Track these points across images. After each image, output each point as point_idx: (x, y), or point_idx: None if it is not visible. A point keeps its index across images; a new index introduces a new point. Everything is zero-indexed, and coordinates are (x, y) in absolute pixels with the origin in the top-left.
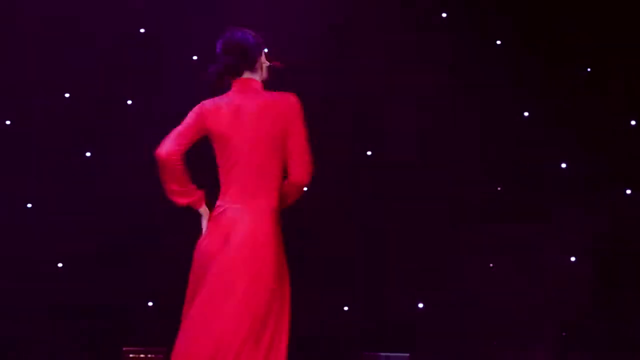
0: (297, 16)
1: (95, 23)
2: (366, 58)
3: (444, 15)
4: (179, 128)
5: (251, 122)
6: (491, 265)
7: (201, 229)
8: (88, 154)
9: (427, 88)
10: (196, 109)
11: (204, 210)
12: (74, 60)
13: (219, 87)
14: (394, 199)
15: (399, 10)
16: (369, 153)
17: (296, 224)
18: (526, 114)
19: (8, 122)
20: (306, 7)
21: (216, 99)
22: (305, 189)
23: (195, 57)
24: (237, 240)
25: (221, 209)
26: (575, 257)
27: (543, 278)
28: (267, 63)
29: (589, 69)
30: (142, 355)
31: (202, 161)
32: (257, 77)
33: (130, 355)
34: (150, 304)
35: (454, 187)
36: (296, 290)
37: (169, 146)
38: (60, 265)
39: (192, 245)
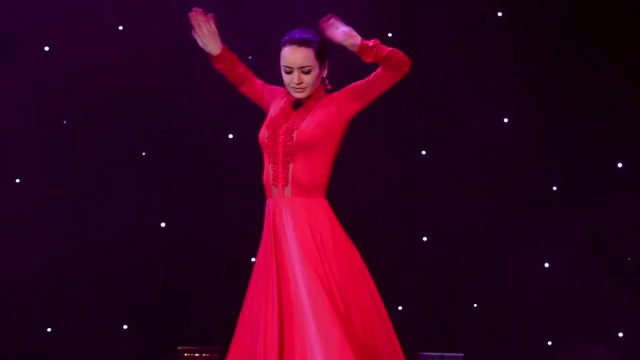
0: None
1: (145, 22)
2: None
3: (499, 14)
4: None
5: None
6: (546, 264)
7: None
8: (143, 154)
9: (478, 85)
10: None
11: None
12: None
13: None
14: (448, 195)
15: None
16: (423, 152)
17: (355, 222)
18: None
19: (65, 122)
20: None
21: None
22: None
23: (250, 57)
24: None
25: None
26: (632, 256)
27: (600, 277)
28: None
29: None
30: (196, 355)
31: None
32: None
33: (185, 354)
34: (205, 303)
35: (509, 183)
36: None
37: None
38: (115, 263)
39: (248, 246)
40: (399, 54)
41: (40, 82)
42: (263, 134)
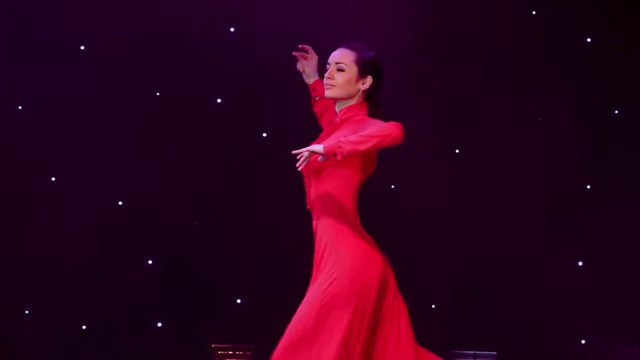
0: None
1: (189, 22)
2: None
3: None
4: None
5: None
6: (580, 263)
7: None
8: (178, 152)
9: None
10: None
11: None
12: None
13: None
14: (481, 193)
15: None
16: (457, 151)
17: (388, 223)
18: (617, 112)
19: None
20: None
21: None
22: None
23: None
24: None
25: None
26: None
27: (635, 276)
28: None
29: None
30: (230, 352)
31: None
32: None
33: (219, 352)
34: (238, 301)
35: (543, 181)
36: None
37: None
38: (150, 262)
39: (281, 245)
40: (384, 141)
41: (78, 83)
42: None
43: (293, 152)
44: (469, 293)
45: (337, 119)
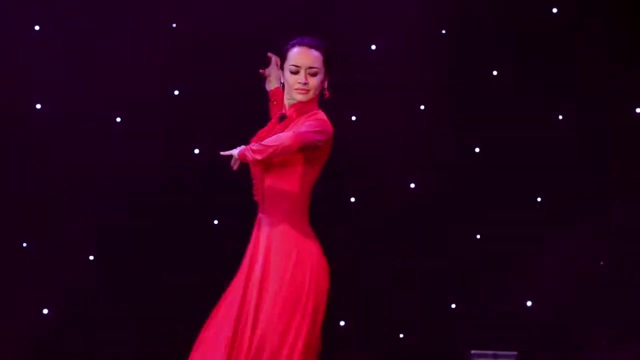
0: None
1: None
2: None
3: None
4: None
5: None
6: (602, 262)
7: None
8: (196, 151)
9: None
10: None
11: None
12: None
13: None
14: (501, 192)
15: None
16: (477, 150)
17: (407, 222)
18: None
19: (118, 119)
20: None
21: None
22: None
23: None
24: None
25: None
26: None
27: None
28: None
29: None
30: None
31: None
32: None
33: None
34: None
35: (563, 180)
36: (404, 288)
37: None
38: (163, 261)
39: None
40: (276, 151)
41: (95, 81)
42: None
43: (221, 153)
44: (489, 292)
45: (291, 112)
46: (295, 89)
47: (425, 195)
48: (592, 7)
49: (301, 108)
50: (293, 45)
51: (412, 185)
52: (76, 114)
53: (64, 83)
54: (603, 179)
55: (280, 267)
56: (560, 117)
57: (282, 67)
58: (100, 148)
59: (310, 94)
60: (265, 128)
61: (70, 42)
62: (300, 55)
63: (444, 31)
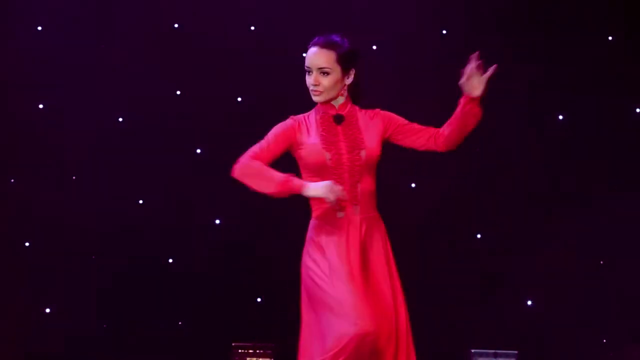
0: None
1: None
2: None
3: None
4: None
5: None
6: (601, 262)
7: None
8: (198, 151)
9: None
10: None
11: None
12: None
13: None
14: (501, 192)
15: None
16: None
17: (408, 220)
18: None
19: (120, 119)
20: None
21: None
22: None
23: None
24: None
25: None
26: None
27: None
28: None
29: None
30: (250, 351)
31: None
32: None
33: (239, 351)
34: (259, 299)
35: (565, 183)
36: (404, 288)
37: None
38: (170, 260)
39: (300, 245)
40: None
41: (101, 80)
42: (322, 155)
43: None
44: (490, 291)
45: (345, 113)
46: (311, 91)
47: (426, 194)
48: (592, 7)
49: (349, 109)
50: (310, 46)
51: (413, 185)
52: (78, 114)
53: (65, 83)
54: (604, 179)
55: (389, 255)
56: (561, 117)
57: None
58: (101, 148)
59: (325, 95)
60: (328, 133)
61: (72, 42)
62: (311, 56)
63: (444, 31)
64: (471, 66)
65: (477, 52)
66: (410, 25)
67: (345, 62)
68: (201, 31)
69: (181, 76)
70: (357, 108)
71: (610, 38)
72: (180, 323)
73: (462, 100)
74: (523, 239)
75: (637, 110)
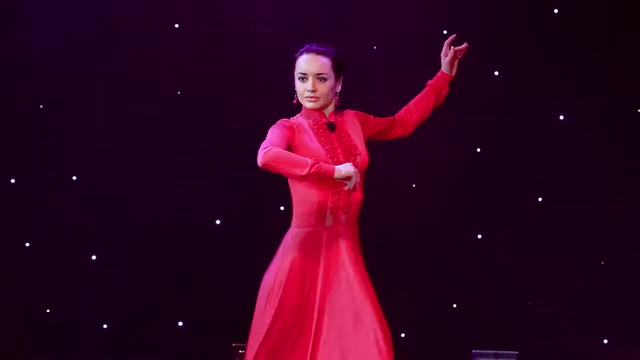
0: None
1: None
2: None
3: (555, 10)
4: None
5: None
6: (602, 262)
7: None
8: (199, 151)
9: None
10: None
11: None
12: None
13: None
14: (502, 194)
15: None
16: (478, 150)
17: (408, 221)
18: None
19: (120, 120)
20: None
21: None
22: None
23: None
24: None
25: None
26: None
27: None
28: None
29: None
30: None
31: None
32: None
33: (240, 351)
34: None
35: (564, 183)
36: (405, 288)
37: None
38: (171, 260)
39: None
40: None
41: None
42: (326, 162)
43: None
44: (491, 292)
45: (335, 119)
46: (306, 97)
47: (426, 195)
48: (593, 7)
49: (337, 115)
50: (301, 53)
51: (414, 185)
52: (78, 114)
53: (67, 83)
54: (604, 179)
55: (362, 262)
56: (562, 117)
57: (293, 76)
58: (101, 148)
59: (321, 101)
60: (325, 141)
61: (72, 42)
62: (308, 63)
63: (445, 31)
64: (451, 47)
65: (454, 35)
66: (410, 25)
67: (338, 69)
68: (201, 31)
69: (182, 76)
70: (337, 110)
71: (611, 38)
72: (180, 323)
73: (439, 81)
74: (524, 239)
75: (639, 110)
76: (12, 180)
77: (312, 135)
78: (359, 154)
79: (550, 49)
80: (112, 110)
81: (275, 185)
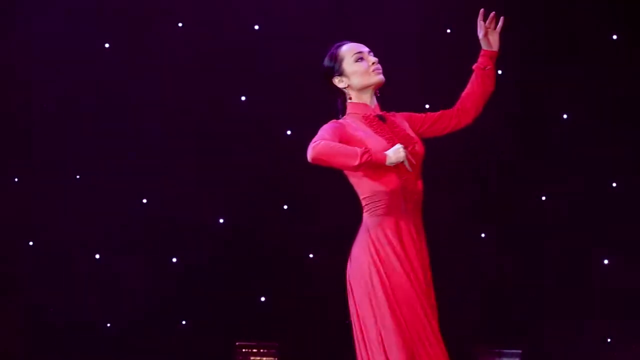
0: None
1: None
2: None
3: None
4: None
5: None
6: (606, 261)
7: None
8: (202, 150)
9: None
10: None
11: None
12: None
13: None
14: (508, 193)
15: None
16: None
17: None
18: None
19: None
20: None
21: None
22: None
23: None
24: None
25: None
26: None
27: None
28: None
29: None
30: (254, 350)
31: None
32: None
33: (243, 350)
34: (262, 299)
35: (571, 182)
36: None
37: None
38: (174, 260)
39: (307, 243)
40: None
41: (102, 78)
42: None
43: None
44: (495, 290)
45: (385, 112)
46: (373, 71)
47: (426, 194)
48: (593, 7)
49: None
50: (339, 46)
51: None
52: (78, 114)
53: (69, 83)
54: (605, 179)
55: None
56: (565, 116)
57: (339, 72)
58: (102, 148)
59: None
60: (385, 130)
61: (73, 42)
62: (356, 45)
63: (448, 30)
64: (483, 21)
65: (482, 10)
66: (413, 24)
67: None
68: (203, 31)
69: (183, 76)
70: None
71: (614, 37)
72: (183, 322)
73: (481, 60)
74: (525, 239)
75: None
76: (16, 179)
77: (367, 129)
78: (416, 142)
79: (551, 48)
80: (112, 110)
81: (277, 185)
